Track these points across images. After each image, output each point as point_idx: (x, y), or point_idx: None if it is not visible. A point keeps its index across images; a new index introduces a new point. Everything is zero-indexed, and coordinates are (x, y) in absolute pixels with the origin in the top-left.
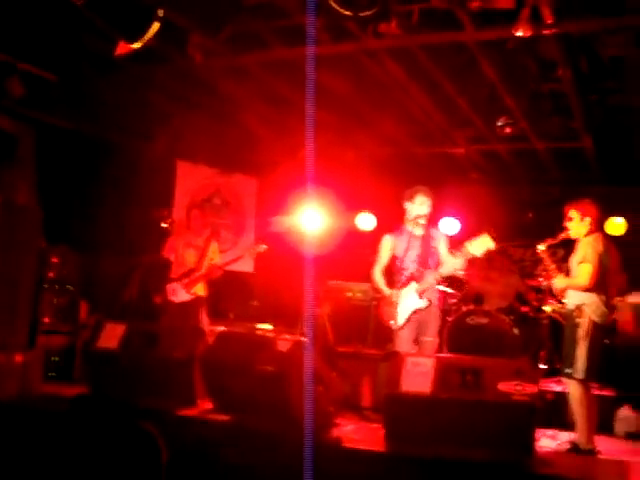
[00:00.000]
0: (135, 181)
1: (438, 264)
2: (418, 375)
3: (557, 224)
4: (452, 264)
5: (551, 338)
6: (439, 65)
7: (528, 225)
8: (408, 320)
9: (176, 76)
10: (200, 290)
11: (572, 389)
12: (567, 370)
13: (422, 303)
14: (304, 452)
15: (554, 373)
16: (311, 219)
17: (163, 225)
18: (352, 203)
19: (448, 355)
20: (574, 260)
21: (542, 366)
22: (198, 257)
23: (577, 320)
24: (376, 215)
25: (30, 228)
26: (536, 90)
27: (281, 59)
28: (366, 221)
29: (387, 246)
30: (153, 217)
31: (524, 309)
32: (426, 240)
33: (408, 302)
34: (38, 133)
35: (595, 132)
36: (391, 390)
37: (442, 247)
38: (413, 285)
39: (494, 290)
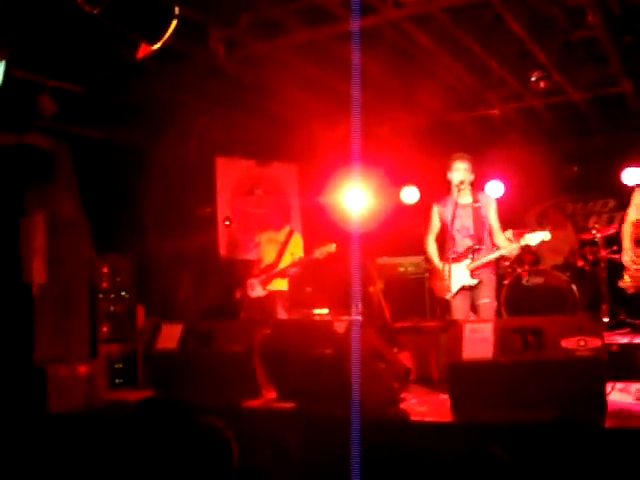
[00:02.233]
0: (176, 182)
1: (490, 234)
2: (478, 341)
3: (603, 174)
4: (509, 250)
5: (610, 291)
6: (464, 27)
7: (574, 179)
8: (458, 292)
9: (203, 73)
10: (279, 285)
11: None
12: None
13: (472, 281)
14: (355, 432)
15: (617, 326)
16: (356, 198)
17: (226, 224)
18: (394, 178)
19: (507, 318)
20: None
21: (604, 319)
22: (278, 253)
23: None
24: (419, 187)
25: (78, 240)
26: (567, 40)
27: (304, 41)
28: (410, 194)
29: (435, 215)
30: (198, 215)
31: (580, 263)
32: (476, 209)
33: (458, 277)
34: (75, 146)
35: (635, 75)
36: (453, 359)
37: (492, 214)
38: (465, 261)
39: (548, 247)
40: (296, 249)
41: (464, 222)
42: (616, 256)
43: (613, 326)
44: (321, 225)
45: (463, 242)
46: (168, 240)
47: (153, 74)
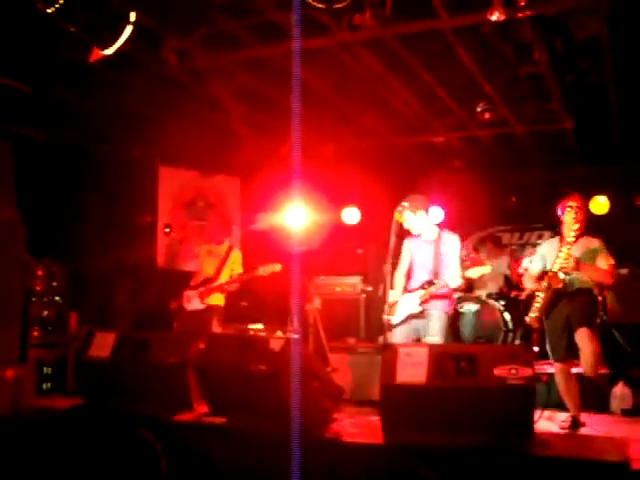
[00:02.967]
0: (116, 188)
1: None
2: (412, 365)
3: (540, 207)
4: (457, 282)
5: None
6: (415, 54)
7: (512, 209)
8: (403, 321)
9: (152, 80)
10: (216, 300)
11: (590, 339)
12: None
13: (418, 308)
14: (295, 450)
15: (547, 356)
16: (296, 216)
17: (166, 233)
18: (336, 198)
19: (441, 344)
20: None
21: (535, 348)
22: (217, 267)
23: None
24: (360, 209)
25: (13, 242)
26: (514, 74)
27: (256, 57)
28: (351, 215)
29: (405, 250)
30: (138, 223)
31: (514, 293)
32: (436, 245)
33: (407, 306)
34: (15, 146)
35: (575, 113)
36: (386, 381)
37: (451, 251)
38: (419, 292)
39: (484, 276)
40: (235, 265)
41: (424, 257)
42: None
43: (543, 356)
44: (261, 241)
45: (419, 274)
46: (106, 247)
47: (102, 78)
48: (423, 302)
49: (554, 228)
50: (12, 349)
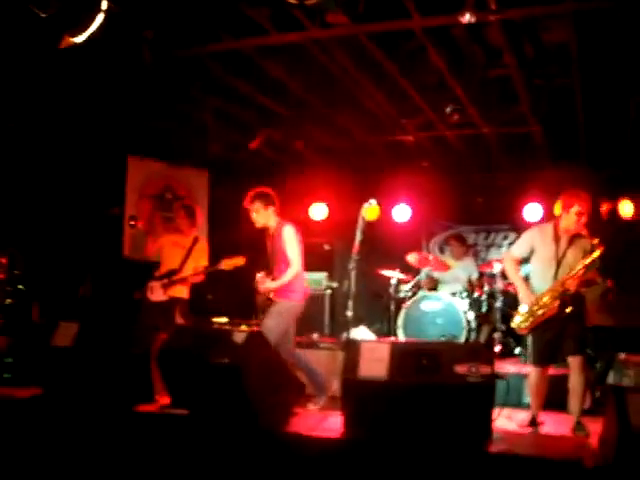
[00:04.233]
0: (83, 178)
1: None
2: (374, 361)
3: (506, 208)
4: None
5: (503, 321)
6: (387, 54)
7: (478, 210)
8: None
9: (125, 71)
10: (179, 292)
11: (581, 368)
12: (588, 350)
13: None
14: (255, 444)
15: (507, 354)
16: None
17: (131, 225)
18: (304, 193)
19: (403, 340)
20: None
21: (496, 348)
22: (182, 258)
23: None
24: (328, 205)
25: None
26: (483, 76)
27: (229, 51)
28: (318, 211)
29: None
30: (104, 213)
31: (478, 293)
32: (275, 238)
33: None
34: None
35: (542, 117)
36: (348, 376)
37: (288, 243)
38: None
39: (448, 275)
40: (201, 256)
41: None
42: (511, 288)
43: (504, 355)
44: (227, 234)
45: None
46: (71, 236)
47: (73, 65)
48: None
49: (519, 230)
50: None
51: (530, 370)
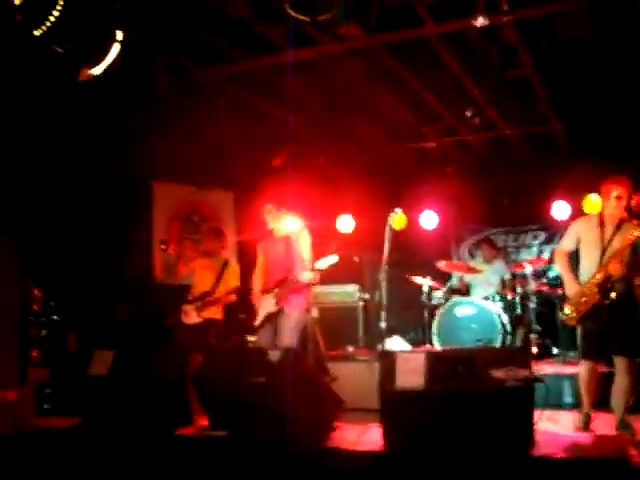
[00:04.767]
0: (111, 205)
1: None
2: (411, 371)
3: (533, 208)
4: (306, 276)
5: (538, 322)
6: (403, 62)
7: (506, 212)
8: (262, 324)
9: (142, 97)
10: (213, 313)
11: (628, 369)
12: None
13: (273, 308)
14: (294, 461)
15: (545, 355)
16: (290, 226)
17: (163, 249)
18: (330, 207)
19: (438, 348)
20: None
21: (533, 350)
22: (214, 280)
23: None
24: (355, 216)
25: (6, 262)
26: (501, 77)
27: (244, 70)
28: (346, 223)
29: (259, 251)
30: (133, 239)
31: (511, 295)
32: (287, 241)
33: (265, 305)
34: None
35: (563, 114)
36: (385, 388)
37: (304, 245)
38: (274, 290)
39: (479, 278)
40: (232, 277)
41: (278, 254)
42: (544, 288)
43: (541, 356)
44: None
45: (274, 271)
46: (103, 264)
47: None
48: (279, 300)
49: (548, 229)
50: (12, 370)
51: (579, 365)
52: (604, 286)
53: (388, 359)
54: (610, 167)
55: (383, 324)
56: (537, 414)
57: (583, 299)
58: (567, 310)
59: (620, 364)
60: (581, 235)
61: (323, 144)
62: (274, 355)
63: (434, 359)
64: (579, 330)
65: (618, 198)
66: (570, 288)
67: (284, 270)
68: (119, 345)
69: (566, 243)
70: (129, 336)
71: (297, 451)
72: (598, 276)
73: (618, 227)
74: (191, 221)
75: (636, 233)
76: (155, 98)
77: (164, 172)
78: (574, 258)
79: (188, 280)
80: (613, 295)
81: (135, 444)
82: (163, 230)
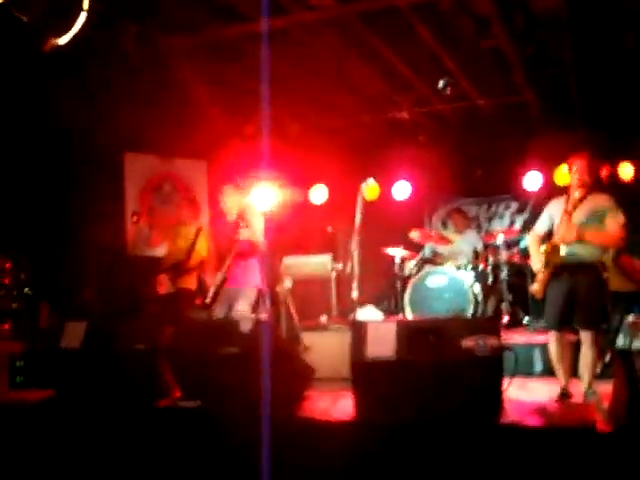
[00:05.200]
0: (81, 176)
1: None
2: (381, 341)
3: (506, 179)
4: None
5: (510, 291)
6: (375, 32)
7: (479, 182)
8: (214, 297)
9: (114, 65)
10: (187, 283)
11: (593, 341)
12: (603, 324)
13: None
14: (266, 430)
15: (515, 324)
16: (264, 196)
17: (134, 221)
18: (303, 177)
19: (409, 318)
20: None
21: (503, 319)
22: (187, 250)
23: (604, 275)
24: (328, 186)
25: None
26: (474, 48)
27: (215, 40)
28: (319, 193)
29: None
30: (104, 209)
31: (483, 265)
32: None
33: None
34: None
35: (536, 85)
36: (356, 358)
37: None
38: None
39: (452, 248)
40: (202, 247)
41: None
42: (516, 259)
43: (512, 325)
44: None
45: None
46: (74, 236)
47: (64, 64)
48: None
49: (520, 199)
50: None
51: (549, 339)
52: (548, 256)
53: (359, 329)
54: (583, 138)
55: (355, 294)
56: (507, 382)
57: (540, 274)
58: (535, 286)
59: (585, 336)
60: (554, 217)
61: (296, 113)
62: (246, 325)
63: (405, 329)
64: (546, 300)
65: (580, 172)
66: (534, 264)
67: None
68: (92, 317)
69: (539, 226)
70: (102, 308)
71: (269, 421)
72: (544, 247)
73: (581, 200)
74: (163, 191)
75: (601, 204)
76: (126, 67)
77: (136, 142)
78: None
79: (161, 250)
80: (559, 256)
81: (108, 416)
82: (135, 201)
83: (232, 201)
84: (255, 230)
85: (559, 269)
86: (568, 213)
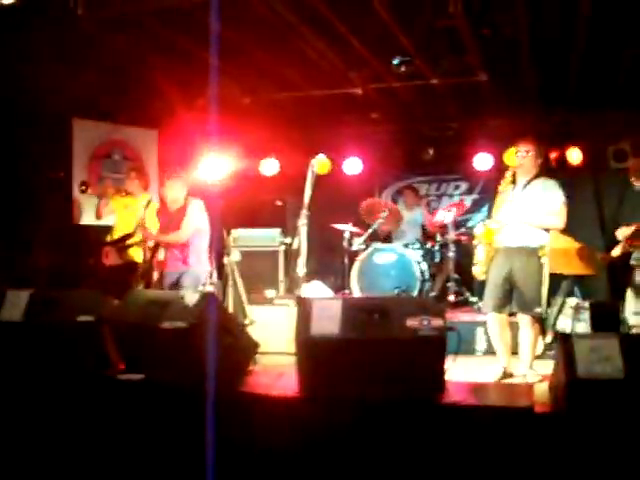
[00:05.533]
0: (27, 143)
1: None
2: (326, 318)
3: (456, 159)
4: None
5: (456, 270)
6: (331, 6)
7: (429, 161)
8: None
9: (63, 30)
10: (134, 256)
11: (530, 324)
12: (538, 309)
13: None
14: (210, 404)
15: (461, 303)
16: (214, 168)
17: (82, 190)
18: (255, 149)
19: (355, 296)
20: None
21: (449, 298)
22: (136, 222)
23: (542, 260)
24: (279, 160)
25: None
26: (430, 27)
27: (168, 7)
28: (269, 166)
29: None
30: (50, 179)
31: (431, 243)
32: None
33: None
34: None
35: (490, 67)
36: (301, 334)
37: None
38: None
39: (401, 227)
40: (150, 219)
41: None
42: (463, 238)
43: (458, 304)
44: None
45: None
46: (19, 204)
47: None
48: None
49: (470, 179)
50: None
51: (488, 320)
52: (485, 236)
53: (305, 305)
54: (533, 122)
55: (301, 271)
56: (450, 361)
57: (480, 256)
58: (476, 267)
59: (522, 319)
60: (503, 200)
61: (248, 86)
62: (191, 299)
63: (350, 307)
64: (486, 281)
65: (523, 156)
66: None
67: None
68: (36, 287)
69: (492, 212)
70: (47, 278)
71: (213, 395)
72: (482, 228)
73: (525, 186)
74: (112, 160)
75: (544, 187)
76: (76, 33)
77: (85, 109)
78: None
79: (109, 221)
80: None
81: (51, 388)
82: (83, 169)
83: (173, 193)
84: (187, 227)
85: (499, 252)
86: (511, 195)
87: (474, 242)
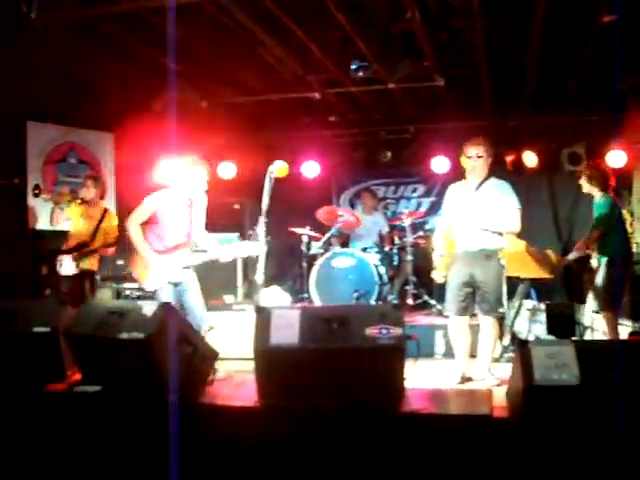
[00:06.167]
0: None
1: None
2: (285, 327)
3: (414, 162)
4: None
5: (414, 273)
6: (288, 11)
7: (387, 164)
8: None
9: (15, 31)
10: (89, 265)
11: (492, 326)
12: (501, 310)
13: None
14: (171, 416)
15: (420, 306)
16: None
17: (35, 194)
18: (212, 153)
19: (314, 303)
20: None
21: (408, 301)
22: (93, 230)
23: (502, 262)
24: (237, 163)
25: None
26: (387, 32)
27: (125, 12)
28: (227, 170)
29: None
30: (4, 182)
31: (389, 246)
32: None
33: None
34: None
35: (446, 71)
36: (260, 344)
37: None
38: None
39: (359, 230)
40: (110, 228)
41: (183, 216)
42: (421, 241)
43: (417, 307)
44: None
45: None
46: None
47: None
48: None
49: (427, 182)
50: None
51: (449, 323)
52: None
53: (263, 314)
54: (490, 124)
55: (259, 278)
56: (410, 365)
57: (439, 260)
58: (435, 271)
59: (484, 321)
60: (453, 201)
61: (205, 90)
62: (148, 309)
63: (309, 316)
64: (446, 285)
65: (473, 159)
66: (436, 250)
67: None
68: None
69: (443, 212)
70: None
71: (172, 407)
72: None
73: (478, 187)
74: (68, 163)
75: (498, 191)
76: (30, 34)
77: (39, 112)
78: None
79: (64, 227)
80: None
81: (3, 401)
82: (37, 173)
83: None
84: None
85: (458, 256)
86: (465, 199)
87: (431, 247)
